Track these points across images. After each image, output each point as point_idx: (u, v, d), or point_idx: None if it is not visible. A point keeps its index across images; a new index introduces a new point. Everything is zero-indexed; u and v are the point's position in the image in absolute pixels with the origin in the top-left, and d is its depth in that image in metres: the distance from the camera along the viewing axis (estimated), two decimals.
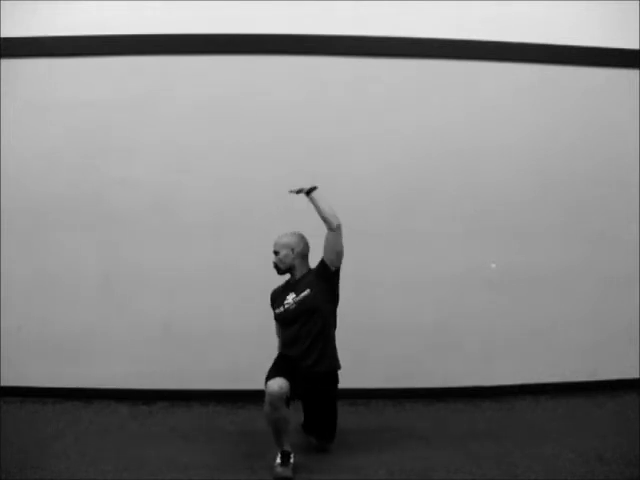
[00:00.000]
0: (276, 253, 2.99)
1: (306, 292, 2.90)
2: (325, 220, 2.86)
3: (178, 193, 3.69)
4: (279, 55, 3.67)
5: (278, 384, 2.70)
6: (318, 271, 2.94)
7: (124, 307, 3.69)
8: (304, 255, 3.00)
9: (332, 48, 3.66)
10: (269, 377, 2.79)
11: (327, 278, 2.92)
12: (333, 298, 2.97)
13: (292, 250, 2.96)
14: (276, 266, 3.00)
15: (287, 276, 3.04)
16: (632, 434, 3.13)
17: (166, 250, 3.68)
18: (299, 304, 2.90)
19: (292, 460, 2.75)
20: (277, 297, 3.03)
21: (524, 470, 2.76)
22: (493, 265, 3.81)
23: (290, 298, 2.93)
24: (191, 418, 3.45)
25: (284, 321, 2.97)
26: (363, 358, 3.60)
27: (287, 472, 2.70)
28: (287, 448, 2.77)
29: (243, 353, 3.61)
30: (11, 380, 3.65)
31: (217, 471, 2.76)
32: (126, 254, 3.69)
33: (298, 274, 2.98)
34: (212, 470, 2.77)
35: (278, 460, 2.74)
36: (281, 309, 2.96)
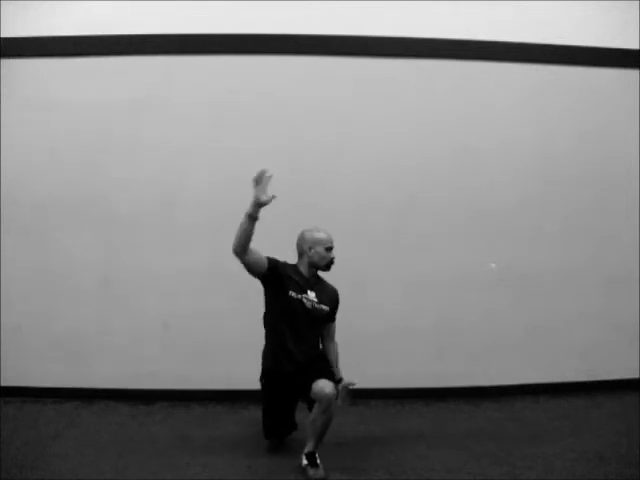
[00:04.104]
0: (331, 249, 2.94)
1: (325, 308, 2.92)
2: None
3: (178, 193, 3.69)
4: (279, 55, 3.67)
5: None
6: (333, 307, 2.99)
7: (124, 307, 3.69)
8: None
9: (333, 48, 3.66)
10: (266, 426, 2.97)
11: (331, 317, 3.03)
12: None
13: None
14: (332, 264, 2.94)
15: (289, 258, 2.94)
16: (632, 434, 3.13)
17: (166, 250, 3.68)
18: (315, 310, 2.89)
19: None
20: (293, 279, 2.87)
21: (524, 470, 2.76)
22: (493, 265, 3.81)
23: (312, 297, 2.88)
24: (191, 418, 3.45)
25: (295, 310, 2.85)
26: (363, 358, 3.59)
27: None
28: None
29: (243, 353, 3.60)
30: (11, 380, 3.65)
31: (217, 471, 2.76)
32: (126, 254, 3.69)
33: (318, 275, 2.98)
34: (212, 470, 2.76)
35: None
36: (299, 297, 2.85)
